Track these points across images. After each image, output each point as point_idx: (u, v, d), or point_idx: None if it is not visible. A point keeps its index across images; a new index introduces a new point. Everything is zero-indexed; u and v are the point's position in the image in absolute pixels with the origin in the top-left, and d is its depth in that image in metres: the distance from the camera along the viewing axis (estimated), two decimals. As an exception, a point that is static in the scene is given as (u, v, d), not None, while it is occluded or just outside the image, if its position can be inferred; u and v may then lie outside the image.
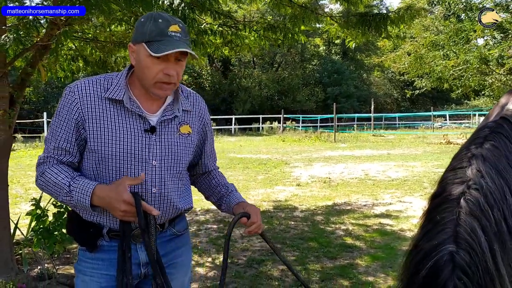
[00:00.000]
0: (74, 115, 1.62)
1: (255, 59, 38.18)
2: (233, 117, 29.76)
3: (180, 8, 3.57)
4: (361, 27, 4.57)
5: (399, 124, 34.77)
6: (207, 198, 2.01)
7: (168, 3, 3.59)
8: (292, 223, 6.09)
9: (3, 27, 3.40)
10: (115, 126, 1.63)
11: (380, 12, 4.62)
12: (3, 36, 3.29)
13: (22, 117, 21.98)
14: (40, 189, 1.72)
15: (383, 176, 10.07)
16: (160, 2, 3.54)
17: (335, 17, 5.32)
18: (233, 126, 29.12)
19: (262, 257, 4.66)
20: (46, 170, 1.64)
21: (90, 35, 5.29)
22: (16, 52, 3.88)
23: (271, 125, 29.76)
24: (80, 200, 1.58)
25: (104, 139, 1.62)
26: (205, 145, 1.90)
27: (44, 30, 3.68)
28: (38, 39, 3.63)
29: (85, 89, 1.63)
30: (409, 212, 6.69)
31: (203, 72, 35.65)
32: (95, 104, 1.63)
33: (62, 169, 1.64)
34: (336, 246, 5.02)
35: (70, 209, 1.76)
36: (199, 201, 7.59)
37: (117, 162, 1.63)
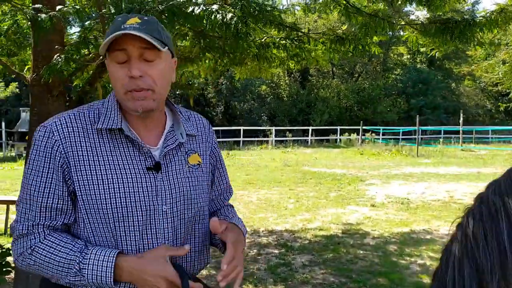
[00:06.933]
0: (59, 161, 1.25)
1: (334, 69, 37.34)
2: (310, 128, 29.27)
3: (232, 22, 3.31)
4: (442, 36, 3.97)
5: (492, 138, 31.70)
6: None
7: (221, 17, 3.34)
8: (361, 252, 5.52)
9: (56, 47, 3.38)
10: (110, 168, 1.27)
11: (464, 18, 3.91)
12: (55, 56, 3.27)
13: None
14: (27, 269, 1.29)
15: (471, 200, 8.96)
16: (213, 16, 3.31)
17: (413, 24, 4.75)
18: (309, 137, 28.59)
19: (323, 293, 4.21)
20: (37, 246, 1.23)
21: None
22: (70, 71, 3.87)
23: (349, 137, 28.71)
24: (98, 279, 1.20)
25: (98, 187, 1.25)
26: (213, 176, 1.52)
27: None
28: (91, 58, 3.58)
29: (67, 126, 1.27)
30: (502, 247, 5.79)
31: (281, 83, 35.62)
32: (81, 144, 1.27)
33: (62, 240, 1.24)
34: (410, 285, 4.40)
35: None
36: (263, 220, 7.30)
37: (118, 215, 1.25)
